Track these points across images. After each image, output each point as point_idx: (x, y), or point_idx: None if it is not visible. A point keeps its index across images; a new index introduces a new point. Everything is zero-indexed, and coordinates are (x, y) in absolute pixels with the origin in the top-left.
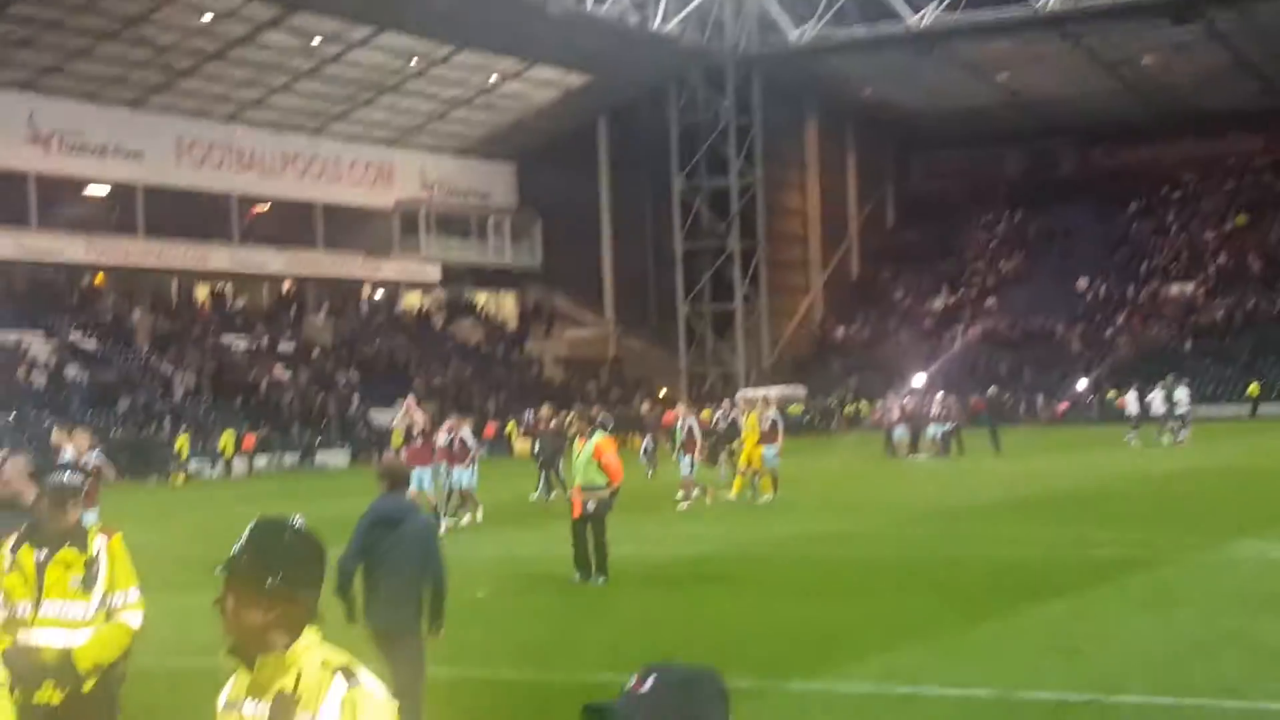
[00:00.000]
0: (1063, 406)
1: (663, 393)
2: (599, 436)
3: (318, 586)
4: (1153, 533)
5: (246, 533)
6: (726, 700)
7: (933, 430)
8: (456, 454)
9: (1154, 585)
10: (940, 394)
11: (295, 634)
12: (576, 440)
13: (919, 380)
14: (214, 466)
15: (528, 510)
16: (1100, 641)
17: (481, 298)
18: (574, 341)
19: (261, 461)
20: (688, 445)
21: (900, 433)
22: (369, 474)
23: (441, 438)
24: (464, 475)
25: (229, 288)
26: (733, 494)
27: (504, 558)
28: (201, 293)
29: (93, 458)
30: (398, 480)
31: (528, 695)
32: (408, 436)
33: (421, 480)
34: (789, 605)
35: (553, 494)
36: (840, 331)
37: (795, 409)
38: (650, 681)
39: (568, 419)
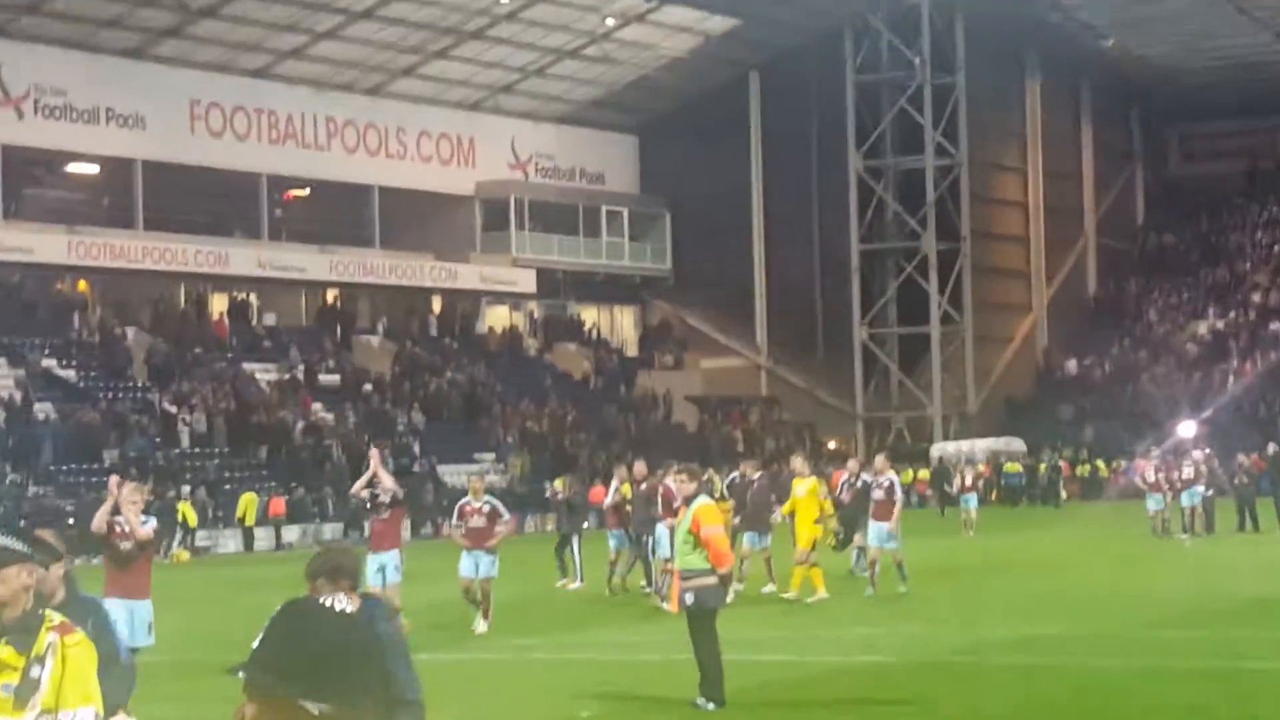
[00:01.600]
0: None
1: (831, 445)
2: (701, 502)
3: (357, 696)
4: None
5: (270, 620)
6: None
7: (1188, 498)
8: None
9: None
10: (1197, 450)
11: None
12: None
13: (1187, 430)
14: (230, 538)
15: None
16: None
17: (590, 314)
18: (713, 374)
19: (293, 533)
20: (879, 510)
21: (1155, 504)
22: (438, 550)
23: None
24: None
25: (254, 299)
26: (790, 590)
27: (623, 664)
28: (218, 305)
29: (149, 524)
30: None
31: None
32: (372, 504)
33: (384, 568)
34: None
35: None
36: (1071, 365)
37: (1012, 467)
38: None
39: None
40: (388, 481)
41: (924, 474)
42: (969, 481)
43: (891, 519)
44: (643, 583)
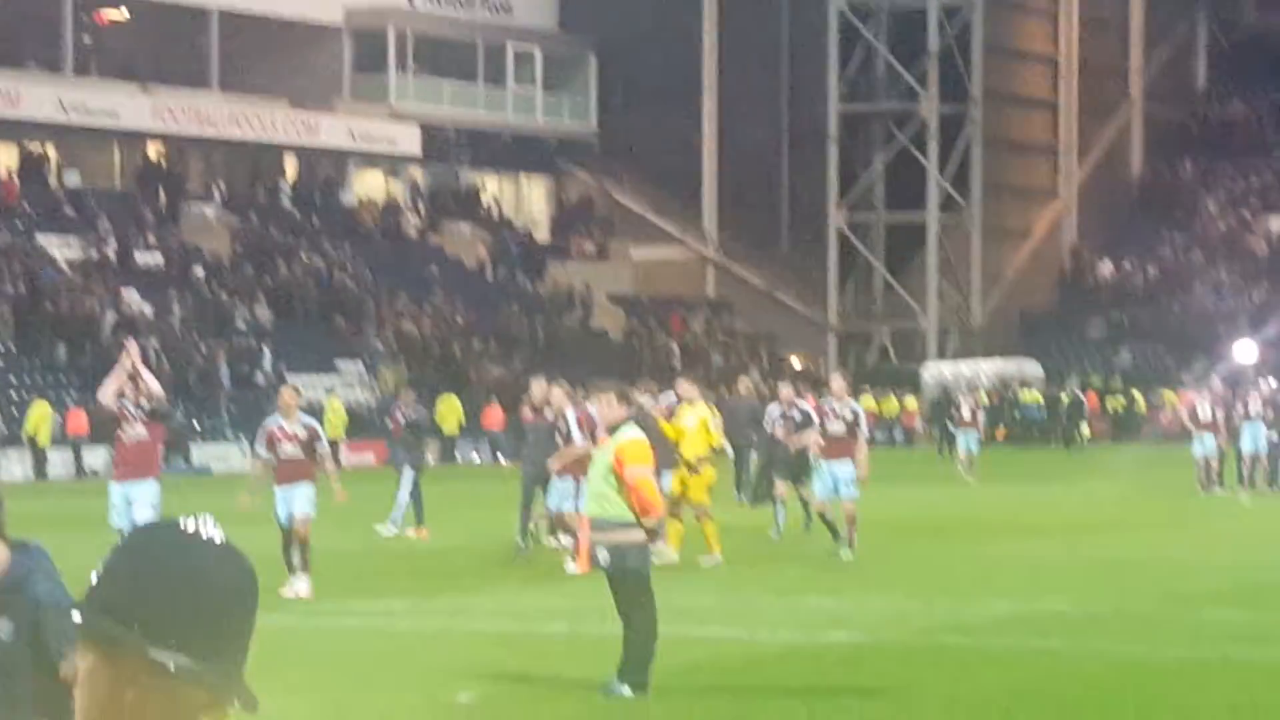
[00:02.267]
0: None
1: (796, 363)
2: (627, 436)
3: (230, 650)
4: None
5: (113, 551)
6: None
7: (1249, 442)
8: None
9: None
10: (1262, 382)
11: None
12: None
13: (1240, 357)
14: (14, 461)
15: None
16: None
17: (490, 185)
18: (646, 268)
19: (98, 458)
20: (837, 448)
21: (1204, 448)
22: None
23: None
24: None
25: (53, 152)
26: (669, 544)
27: (511, 636)
28: (5, 159)
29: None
30: None
31: None
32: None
33: (133, 504)
34: None
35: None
36: (1106, 268)
37: (1030, 396)
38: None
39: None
40: (153, 386)
41: (912, 403)
42: (968, 414)
43: (855, 460)
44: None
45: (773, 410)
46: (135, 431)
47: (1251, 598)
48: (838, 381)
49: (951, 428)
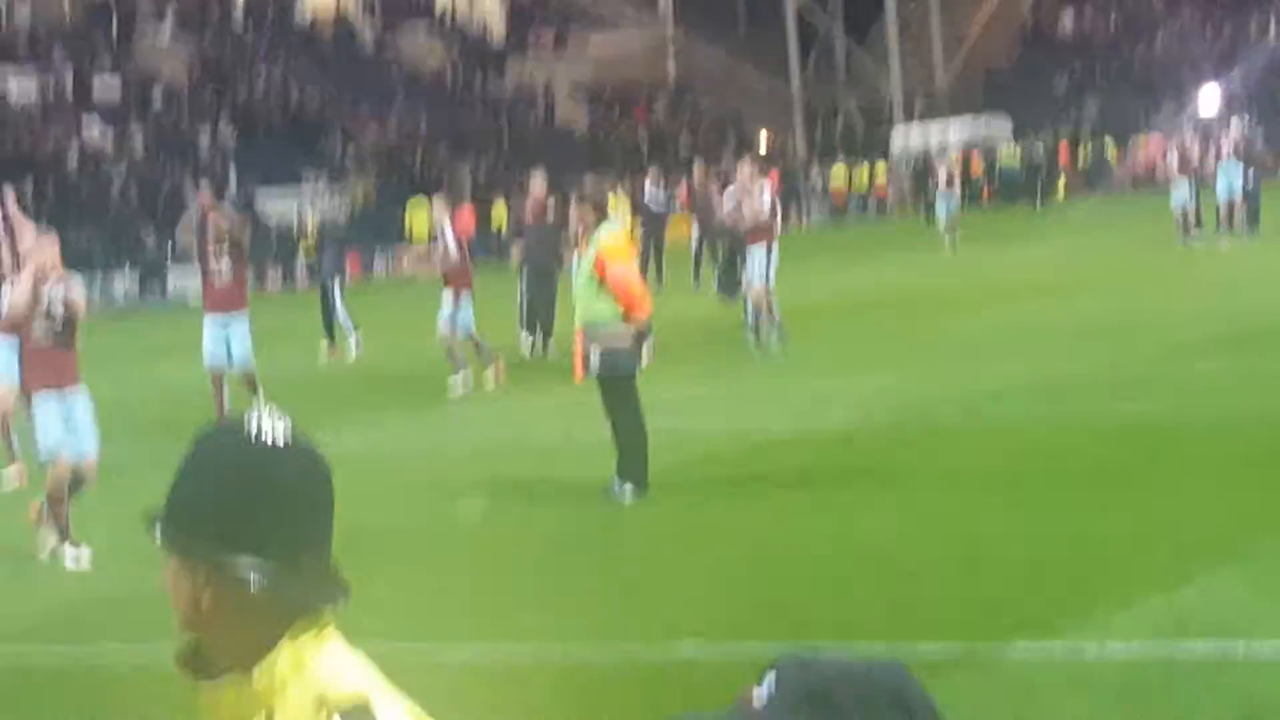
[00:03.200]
0: None
1: (763, 142)
2: (606, 236)
3: (310, 552)
4: None
5: (183, 458)
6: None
7: (1224, 186)
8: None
9: None
10: (1235, 121)
11: (270, 639)
12: (579, 242)
13: (1209, 100)
14: None
15: (532, 367)
16: None
17: None
18: (604, 57)
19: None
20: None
21: (1181, 197)
22: (266, 303)
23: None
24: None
25: None
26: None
27: (507, 444)
28: None
29: None
30: None
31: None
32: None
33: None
34: (985, 512)
35: (543, 342)
36: (1068, 20)
37: (1008, 156)
38: (766, 687)
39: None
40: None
41: (882, 172)
42: (944, 179)
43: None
44: (524, 342)
45: (730, 194)
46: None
47: (1240, 345)
48: (745, 167)
49: (931, 194)
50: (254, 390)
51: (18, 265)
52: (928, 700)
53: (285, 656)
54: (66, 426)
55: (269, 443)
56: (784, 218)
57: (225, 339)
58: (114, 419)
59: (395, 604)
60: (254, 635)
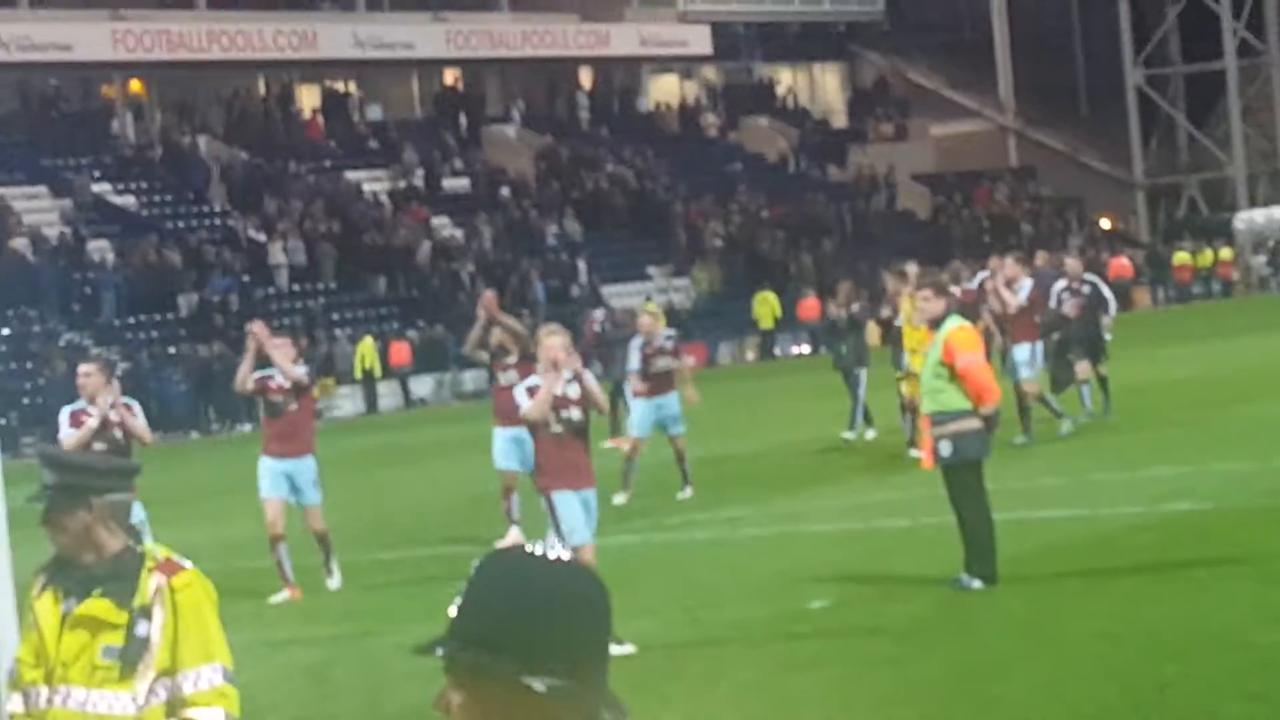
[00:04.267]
0: None
1: (1105, 224)
2: (952, 324)
3: (598, 669)
4: None
5: (469, 581)
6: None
7: None
8: None
9: None
10: None
11: None
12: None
13: None
14: (345, 397)
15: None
16: None
17: (784, 77)
18: (947, 144)
19: (424, 386)
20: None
21: None
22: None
23: None
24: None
25: (353, 87)
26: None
27: (853, 534)
28: (308, 99)
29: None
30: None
31: None
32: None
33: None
34: None
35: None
36: None
37: None
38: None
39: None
40: (287, 367)
41: (1227, 253)
42: None
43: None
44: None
45: (1059, 285)
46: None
47: None
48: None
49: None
50: None
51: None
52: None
53: None
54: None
55: (553, 560)
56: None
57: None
58: None
59: (742, 699)
60: None
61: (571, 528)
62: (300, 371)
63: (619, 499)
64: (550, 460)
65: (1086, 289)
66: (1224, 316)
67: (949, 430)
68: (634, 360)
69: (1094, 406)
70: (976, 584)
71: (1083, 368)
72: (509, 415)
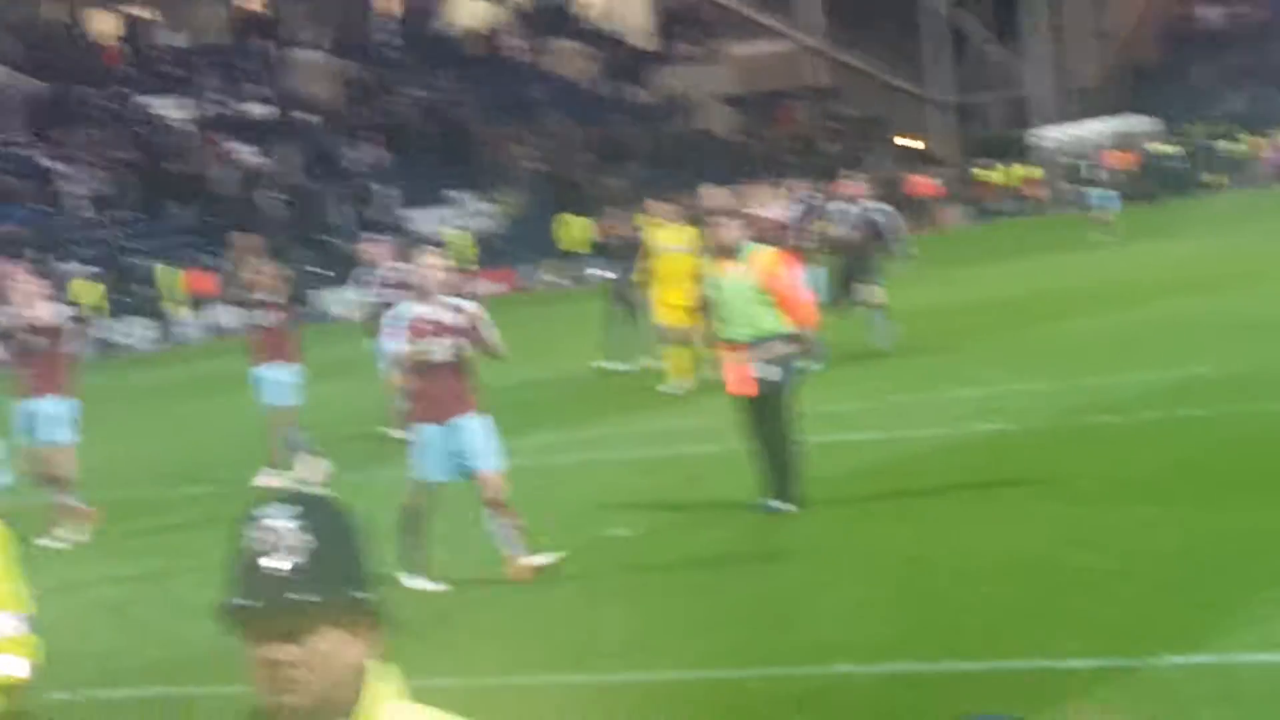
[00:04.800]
0: None
1: (909, 144)
2: (761, 250)
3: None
4: None
5: (293, 514)
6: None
7: None
8: None
9: None
10: None
11: (361, 680)
12: (716, 258)
13: None
14: (144, 328)
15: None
16: None
17: None
18: (750, 64)
19: (229, 315)
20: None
21: None
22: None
23: None
24: None
25: (152, 13)
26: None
27: (666, 462)
28: (103, 24)
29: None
30: None
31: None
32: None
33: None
34: (1137, 520)
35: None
36: (1215, 12)
37: (1167, 148)
38: None
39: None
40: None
41: (1032, 171)
42: (1106, 175)
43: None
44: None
45: (842, 209)
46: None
47: None
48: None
49: (1086, 190)
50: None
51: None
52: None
53: (372, 693)
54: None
55: (330, 496)
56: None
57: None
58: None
59: (550, 630)
60: (359, 678)
61: (417, 462)
62: (51, 312)
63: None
64: (417, 390)
65: (865, 213)
66: (1028, 235)
67: (768, 354)
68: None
69: (885, 331)
70: (788, 507)
71: (871, 292)
72: (271, 352)
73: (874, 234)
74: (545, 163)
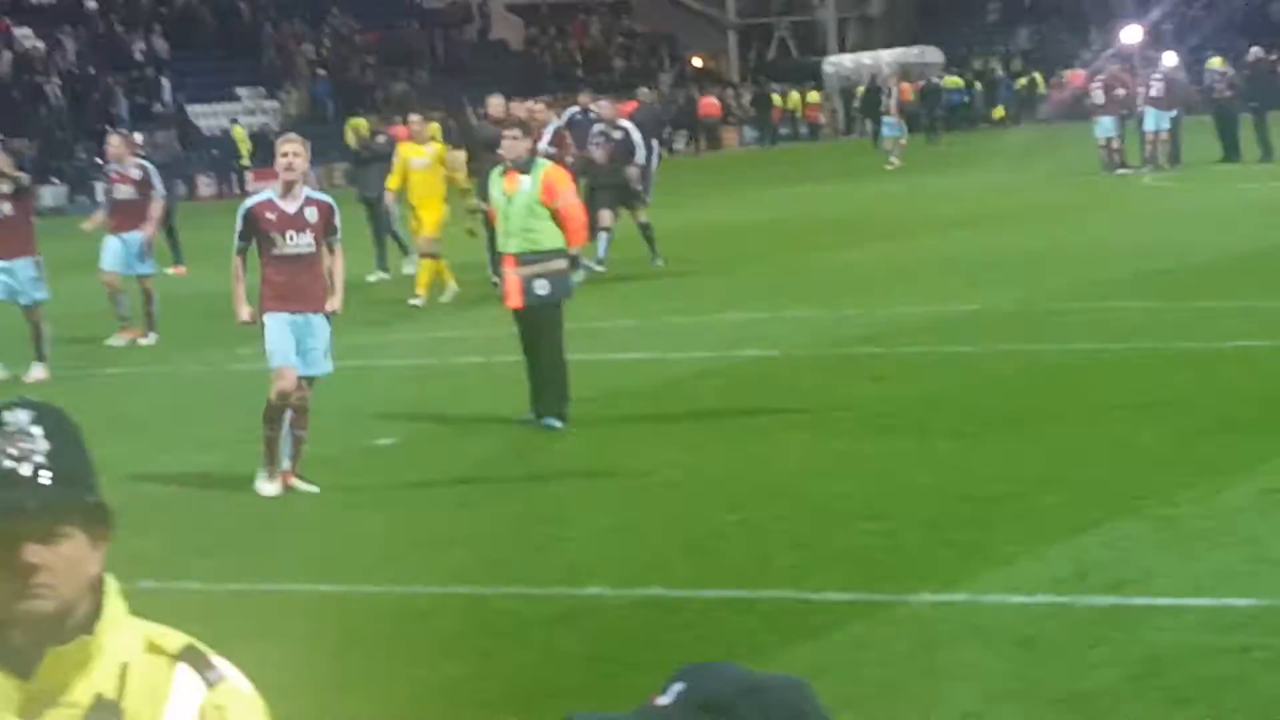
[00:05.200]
0: None
1: (697, 62)
2: (546, 164)
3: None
4: None
5: (31, 419)
6: None
7: (1153, 121)
8: None
9: None
10: (1166, 60)
11: (99, 597)
12: (499, 175)
13: (1131, 35)
14: None
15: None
16: None
17: None
18: None
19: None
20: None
21: (1106, 130)
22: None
23: None
24: None
25: None
26: (419, 292)
27: (427, 371)
28: None
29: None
30: None
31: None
32: None
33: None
34: (895, 453)
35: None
36: None
37: (953, 81)
38: (672, 693)
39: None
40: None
41: (815, 96)
42: (894, 104)
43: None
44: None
45: (595, 129)
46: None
47: (1154, 287)
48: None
49: (875, 119)
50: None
51: None
52: (826, 718)
53: (113, 613)
54: None
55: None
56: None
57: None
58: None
59: (304, 538)
60: (98, 591)
61: (273, 350)
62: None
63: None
64: (269, 281)
65: (619, 134)
66: (812, 161)
67: (544, 269)
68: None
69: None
70: (555, 424)
71: (604, 216)
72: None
73: (628, 157)
74: (330, 64)
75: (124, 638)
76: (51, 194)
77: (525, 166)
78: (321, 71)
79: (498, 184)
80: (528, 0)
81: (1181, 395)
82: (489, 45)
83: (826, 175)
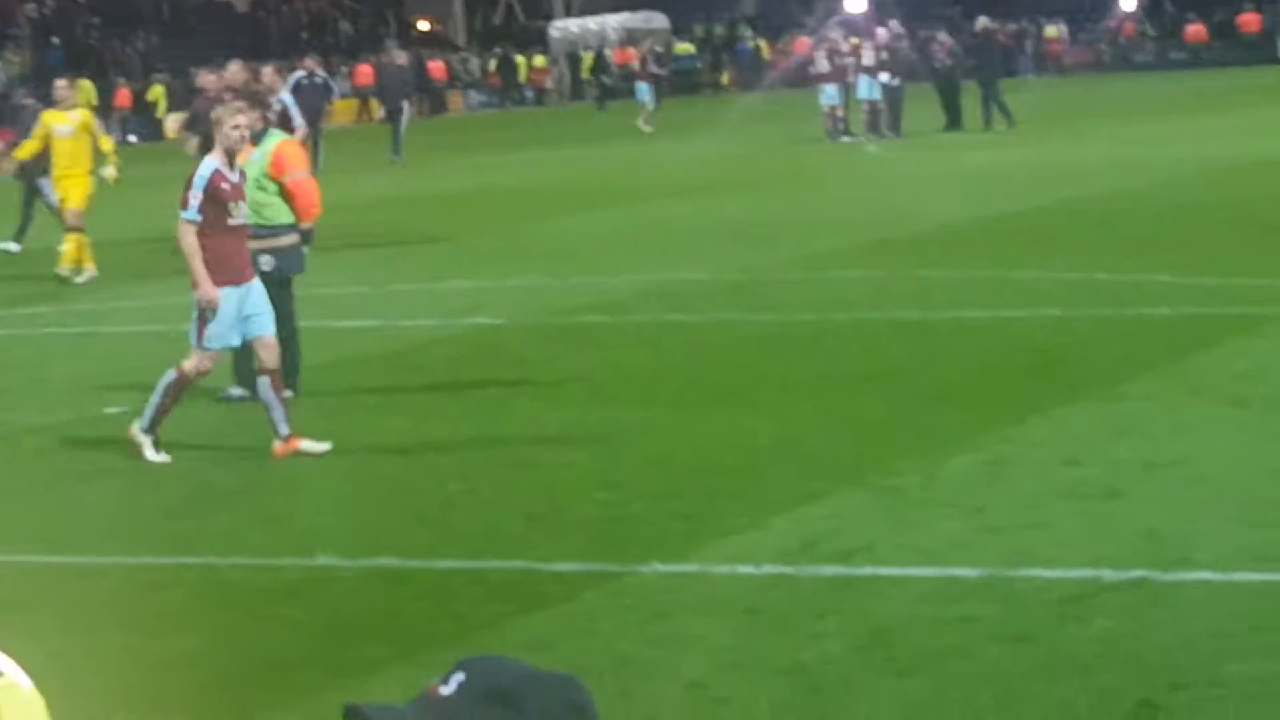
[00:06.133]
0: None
1: (423, 26)
2: (277, 137)
3: None
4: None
5: None
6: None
7: (866, 89)
8: None
9: None
10: (885, 27)
11: None
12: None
13: (855, 3)
14: None
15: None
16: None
17: None
18: None
19: None
20: None
21: (830, 97)
22: None
23: None
24: None
25: None
26: (65, 265)
27: (157, 337)
28: None
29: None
30: None
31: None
32: None
33: None
34: (624, 423)
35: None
36: None
37: (684, 48)
38: (454, 684)
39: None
40: None
41: (540, 61)
42: (650, 66)
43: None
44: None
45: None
46: None
47: (877, 256)
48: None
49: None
50: None
51: None
52: (596, 714)
53: None
54: None
55: None
56: None
57: None
58: None
59: (31, 508)
60: None
61: (218, 333)
62: None
63: None
64: (220, 254)
65: (278, 106)
66: (539, 126)
67: (272, 245)
68: None
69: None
70: (287, 394)
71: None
72: None
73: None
74: (54, 25)
75: None
76: None
77: (256, 138)
78: (54, 39)
79: None
80: None
81: (903, 366)
82: (215, 7)
83: (551, 140)
